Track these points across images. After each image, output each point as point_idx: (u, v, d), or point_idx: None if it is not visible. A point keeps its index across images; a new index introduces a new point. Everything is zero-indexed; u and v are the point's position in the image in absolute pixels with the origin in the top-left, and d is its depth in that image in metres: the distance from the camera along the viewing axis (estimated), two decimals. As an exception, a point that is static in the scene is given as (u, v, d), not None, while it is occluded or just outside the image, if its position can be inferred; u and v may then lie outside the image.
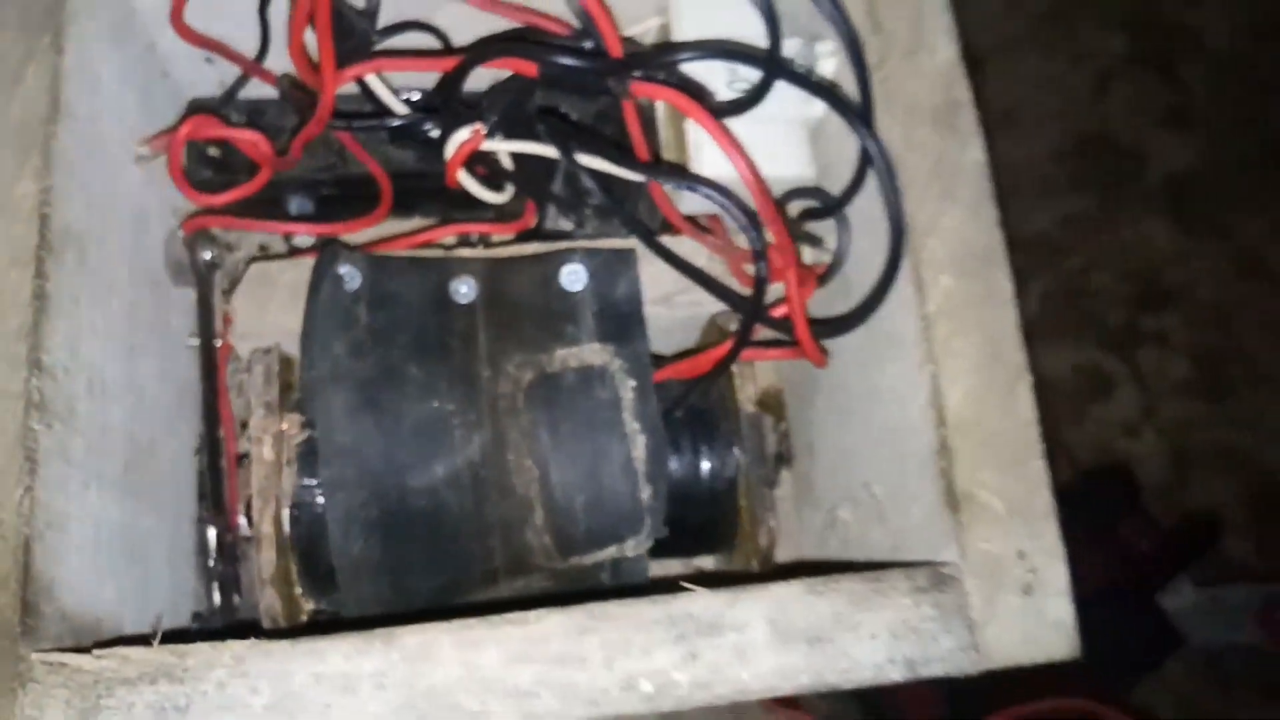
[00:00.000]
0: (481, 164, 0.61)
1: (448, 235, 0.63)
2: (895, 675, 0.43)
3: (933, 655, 0.44)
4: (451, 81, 0.57)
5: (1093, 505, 0.95)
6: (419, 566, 0.54)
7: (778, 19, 0.54)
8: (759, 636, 0.43)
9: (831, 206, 0.56)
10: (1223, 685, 0.99)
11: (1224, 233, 1.28)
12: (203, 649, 0.40)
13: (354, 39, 0.55)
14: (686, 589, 0.43)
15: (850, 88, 0.54)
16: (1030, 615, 0.44)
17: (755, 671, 0.42)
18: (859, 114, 0.52)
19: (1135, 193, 1.29)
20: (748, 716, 0.78)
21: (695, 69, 0.57)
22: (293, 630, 0.51)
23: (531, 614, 0.42)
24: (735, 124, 0.56)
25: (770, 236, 0.55)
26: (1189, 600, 0.88)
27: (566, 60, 0.53)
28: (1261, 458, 1.17)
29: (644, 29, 0.61)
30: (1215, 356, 1.22)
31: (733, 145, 0.51)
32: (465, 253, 0.61)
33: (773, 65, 0.53)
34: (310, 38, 0.54)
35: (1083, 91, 1.34)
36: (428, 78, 0.61)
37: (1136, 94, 1.35)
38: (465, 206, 0.62)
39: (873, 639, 0.43)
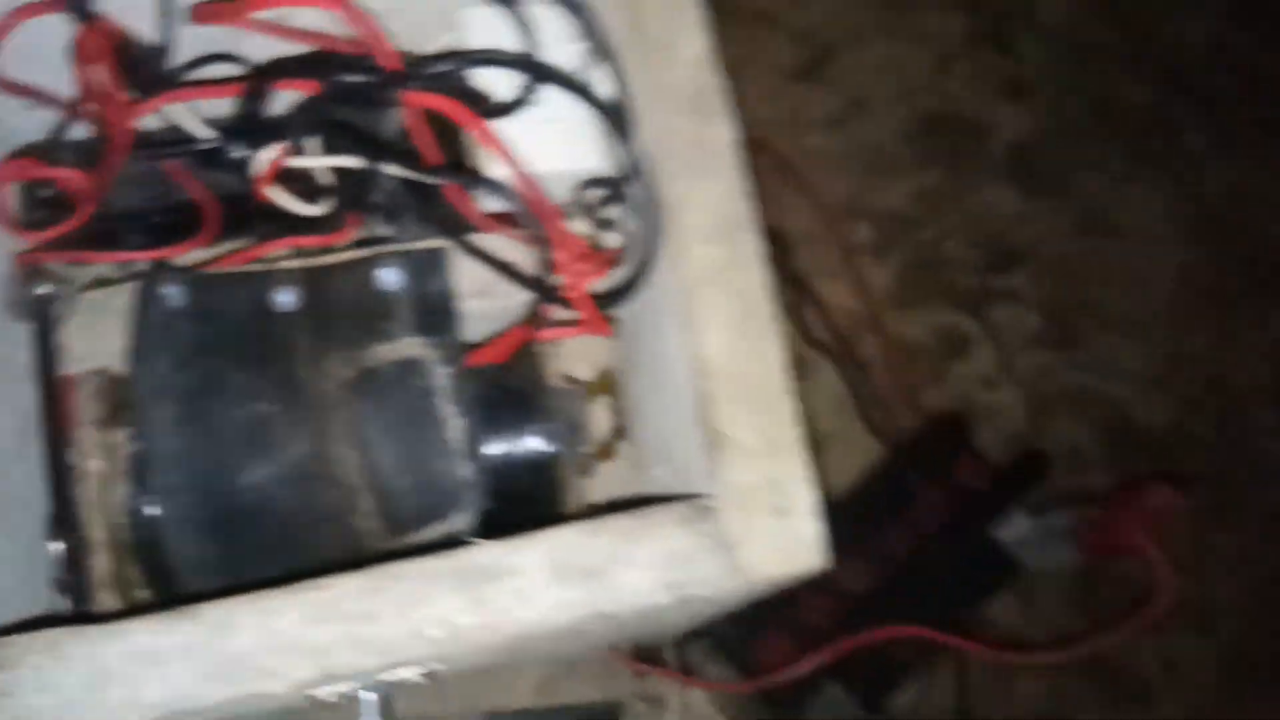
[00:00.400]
0: (300, 180, 0.65)
1: (275, 250, 0.67)
2: (665, 599, 0.48)
3: (698, 578, 0.49)
4: (250, 105, 0.61)
5: (930, 453, 1.02)
6: (256, 560, 0.58)
7: (532, 28, 0.60)
8: (538, 577, 0.47)
9: (617, 193, 0.62)
10: (1075, 604, 1.06)
11: (1064, 193, 1.36)
12: (20, 639, 0.44)
13: (148, 74, 0.59)
14: (471, 542, 0.48)
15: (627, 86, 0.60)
16: (782, 535, 0.50)
17: (536, 608, 0.47)
18: (611, 112, 0.57)
19: (980, 163, 1.37)
20: (617, 678, 0.82)
21: (490, 77, 0.62)
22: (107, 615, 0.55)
23: (329, 579, 0.46)
24: (530, 124, 0.62)
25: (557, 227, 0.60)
26: (1023, 530, 0.95)
27: (346, 77, 0.58)
28: (1112, 397, 1.25)
29: (437, 46, 0.66)
30: (1064, 308, 1.30)
31: (497, 145, 0.56)
32: (287, 264, 0.65)
33: (532, 70, 0.58)
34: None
35: (926, 72, 1.42)
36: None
37: (975, 70, 1.43)
38: (294, 222, 0.67)
39: (643, 569, 0.48)
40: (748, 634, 0.86)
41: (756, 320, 0.54)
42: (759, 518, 0.50)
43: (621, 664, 0.82)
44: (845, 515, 0.96)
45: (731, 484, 0.50)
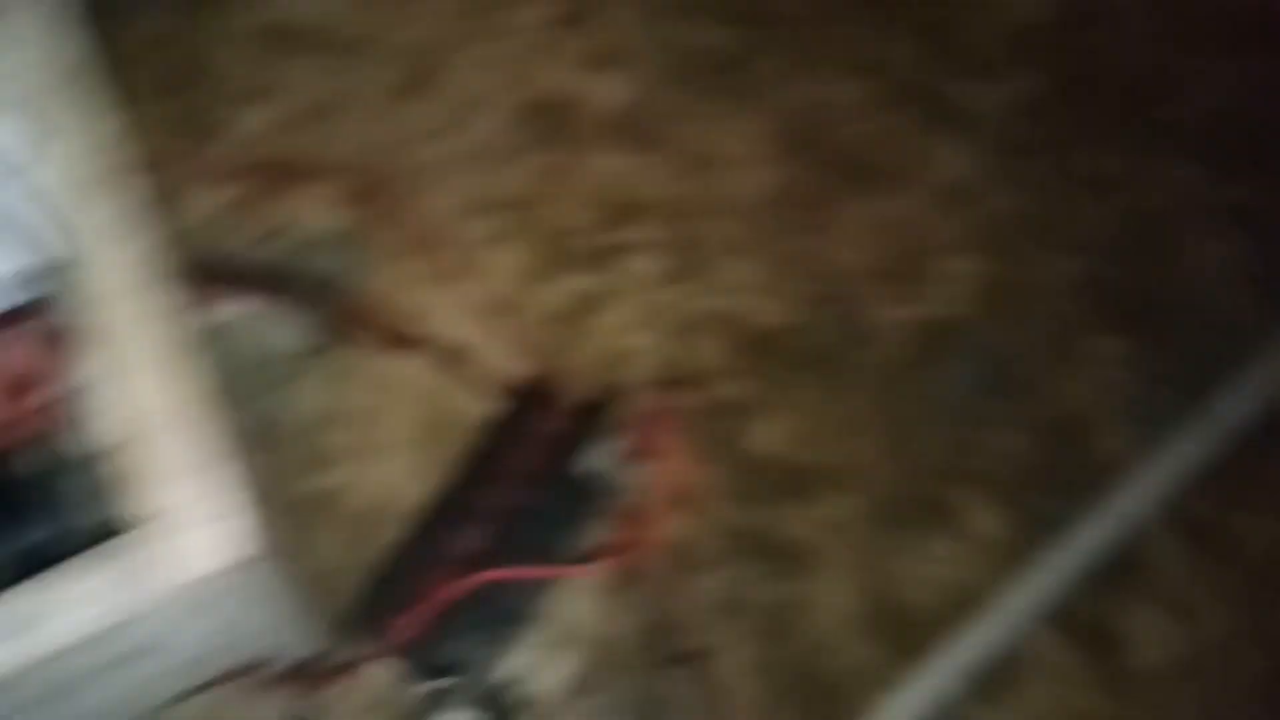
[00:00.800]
0: None
1: None
2: (111, 620, 0.56)
3: (142, 595, 0.56)
4: None
5: (514, 414, 1.12)
6: None
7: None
8: (-25, 641, 0.54)
9: (52, 278, 0.68)
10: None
11: (666, 142, 1.49)
12: None
13: None
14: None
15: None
16: (217, 536, 0.58)
17: (-21, 669, 0.53)
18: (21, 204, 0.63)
19: (586, 134, 1.49)
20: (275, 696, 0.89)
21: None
22: None
23: None
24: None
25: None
26: (598, 459, 1.07)
27: None
28: (739, 311, 1.39)
29: None
30: (683, 245, 1.42)
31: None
32: None
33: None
34: None
35: (520, 63, 1.53)
36: None
37: (565, 50, 1.54)
38: None
39: (80, 606, 0.55)
40: (384, 619, 0.94)
41: (169, 360, 0.61)
42: (195, 530, 0.58)
43: (266, 683, 0.89)
44: (456, 487, 1.06)
45: (166, 506, 0.58)
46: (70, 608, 0.55)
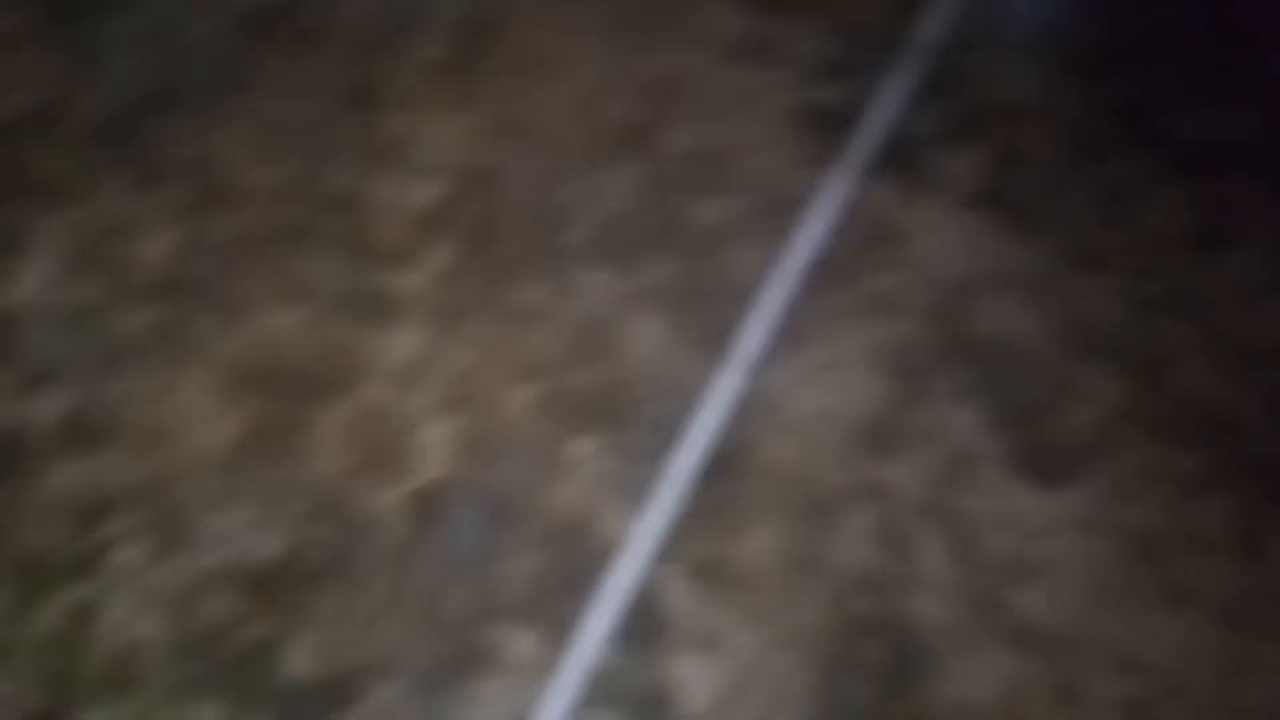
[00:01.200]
0: None
1: None
2: None
3: None
4: None
5: None
6: None
7: None
8: None
9: None
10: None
11: (121, 432, 1.52)
12: None
13: None
14: None
15: None
16: None
17: None
18: None
19: (38, 449, 1.48)
20: None
21: None
22: None
23: None
24: None
25: None
26: None
27: None
28: (239, 560, 1.43)
29: None
30: (167, 518, 1.45)
31: None
32: None
33: None
34: None
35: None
36: None
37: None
38: None
39: None
40: None
41: None
42: None
43: None
44: None
45: None
46: None
